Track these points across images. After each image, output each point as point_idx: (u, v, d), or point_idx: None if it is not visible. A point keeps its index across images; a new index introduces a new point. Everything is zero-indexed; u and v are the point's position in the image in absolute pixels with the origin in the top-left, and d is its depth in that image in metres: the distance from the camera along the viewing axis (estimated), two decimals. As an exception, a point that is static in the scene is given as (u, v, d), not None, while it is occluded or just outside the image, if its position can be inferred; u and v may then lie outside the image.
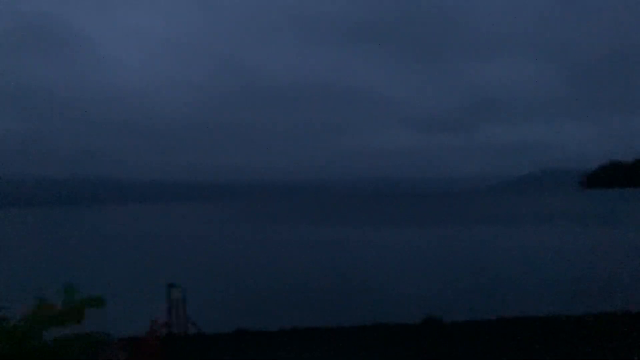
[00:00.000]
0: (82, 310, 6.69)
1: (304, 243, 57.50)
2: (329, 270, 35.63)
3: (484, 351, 13.45)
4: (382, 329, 16.81)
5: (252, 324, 18.26)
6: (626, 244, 43.62)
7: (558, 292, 25.10)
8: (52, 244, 70.70)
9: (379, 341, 15.08)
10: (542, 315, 17.69)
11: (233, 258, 45.64)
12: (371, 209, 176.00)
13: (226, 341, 16.40)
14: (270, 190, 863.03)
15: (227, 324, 18.63)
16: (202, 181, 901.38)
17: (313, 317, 20.45)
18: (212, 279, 33.51)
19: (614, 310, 18.43)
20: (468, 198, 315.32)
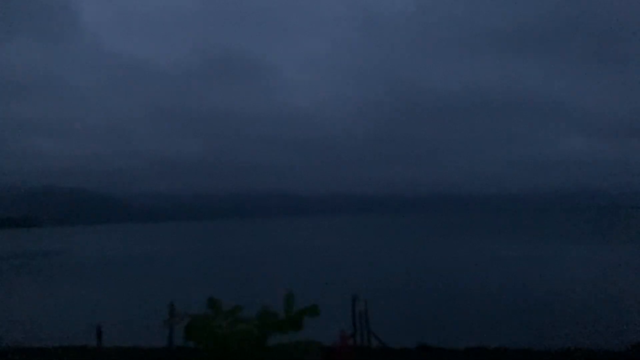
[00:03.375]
0: (301, 318, 7.40)
1: (493, 257, 55.21)
2: (521, 287, 33.61)
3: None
4: (582, 355, 15.58)
5: (436, 340, 18.02)
6: None
7: None
8: (244, 253, 76.49)
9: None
10: None
11: (415, 271, 45.27)
12: (559, 221, 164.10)
13: (409, 356, 16.30)
14: (443, 203, 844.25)
15: (410, 339, 18.58)
16: (373, 194, 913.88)
17: (502, 336, 19.51)
18: (395, 292, 33.28)
19: None
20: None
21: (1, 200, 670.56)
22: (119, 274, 55.28)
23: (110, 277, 52.52)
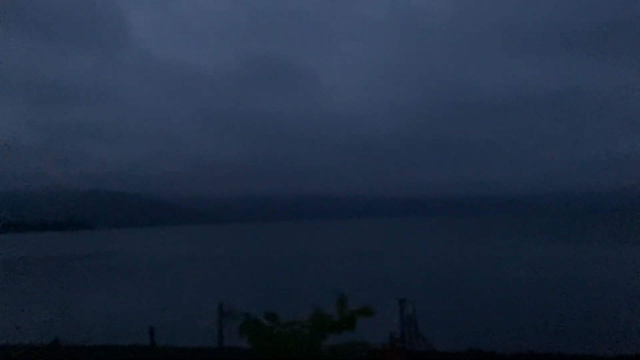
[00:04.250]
0: (354, 319, 7.43)
1: (546, 260, 53.90)
2: (576, 291, 32.76)
3: None
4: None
5: (486, 345, 17.83)
6: None
7: None
8: (289, 254, 77.30)
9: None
10: None
11: (463, 274, 44.73)
12: (617, 222, 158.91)
13: (459, 360, 16.22)
14: (489, 204, 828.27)
15: (459, 343, 18.43)
16: (417, 196, 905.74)
17: (553, 342, 19.10)
18: (443, 295, 33.04)
19: None
20: None
21: (54, 203, 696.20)
22: (168, 276, 56.62)
23: (161, 279, 53.83)
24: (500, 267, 49.50)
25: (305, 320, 7.86)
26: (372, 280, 42.10)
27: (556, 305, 28.25)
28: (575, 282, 37.37)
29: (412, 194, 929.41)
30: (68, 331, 22.73)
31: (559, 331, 22.14)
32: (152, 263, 75.64)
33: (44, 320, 29.91)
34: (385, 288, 35.36)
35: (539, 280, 39.18)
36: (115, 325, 27.93)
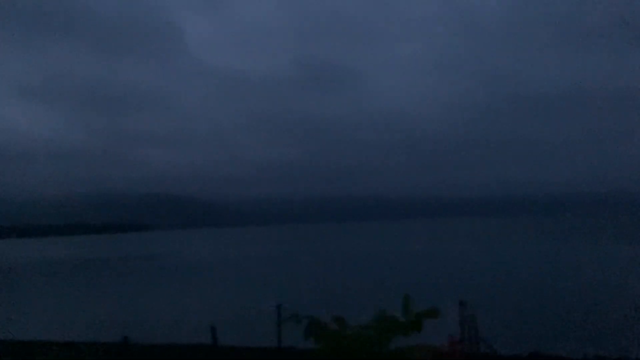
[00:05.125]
0: (421, 320, 7.46)
1: (614, 261, 52.20)
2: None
3: None
4: None
5: (550, 349, 17.43)
6: None
7: None
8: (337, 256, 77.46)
9: None
10: None
11: (525, 275, 43.66)
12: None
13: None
14: (551, 204, 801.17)
15: (521, 346, 18.07)
16: (472, 196, 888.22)
17: (622, 346, 18.40)
18: (503, 298, 32.34)
19: None
20: None
21: (115, 206, 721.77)
22: (225, 276, 57.83)
23: (218, 279, 55.06)
24: (563, 268, 48.03)
25: (369, 321, 7.96)
26: (428, 282, 41.55)
27: (623, 309, 27.24)
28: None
29: (465, 194, 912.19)
30: (134, 329, 23.58)
31: (630, 335, 21.38)
32: (208, 263, 77.37)
33: (111, 319, 31.17)
34: (443, 290, 34.77)
35: (607, 283, 37.88)
36: (177, 323, 28.83)
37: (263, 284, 47.52)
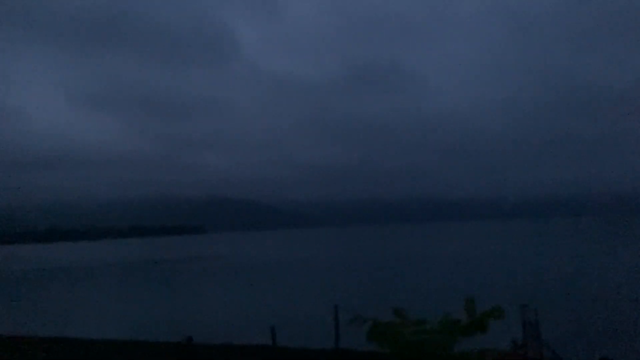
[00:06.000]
0: (486, 321, 7.38)
1: None
2: None
3: None
4: None
5: (619, 355, 16.79)
6: None
7: None
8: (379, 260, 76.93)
9: None
10: None
11: (589, 278, 42.16)
12: None
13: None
14: (614, 203, 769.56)
15: (588, 352, 17.50)
16: (530, 196, 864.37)
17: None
18: (566, 301, 31.28)
19: None
20: None
21: (172, 209, 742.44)
22: (282, 277, 58.58)
23: (274, 280, 55.79)
24: (632, 272, 46.03)
25: (435, 323, 7.95)
26: (488, 284, 40.53)
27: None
28: None
29: (525, 194, 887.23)
30: (196, 329, 24.28)
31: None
32: (266, 265, 78.43)
33: (175, 319, 32.17)
34: (503, 292, 33.99)
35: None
36: (237, 324, 29.46)
37: (320, 285, 47.84)
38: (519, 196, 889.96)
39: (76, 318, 35.73)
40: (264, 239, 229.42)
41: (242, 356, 19.86)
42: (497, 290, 36.61)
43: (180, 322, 30.15)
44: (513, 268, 54.38)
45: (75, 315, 37.45)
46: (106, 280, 68.21)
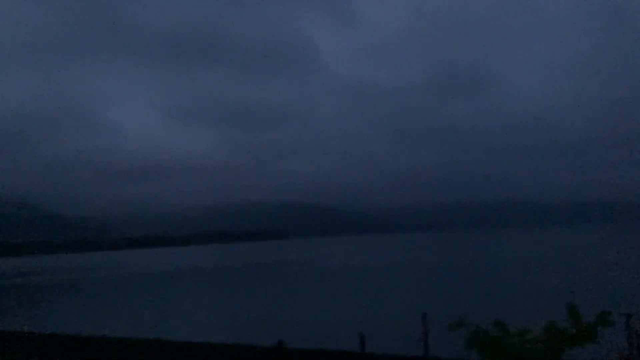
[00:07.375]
0: (596, 330, 7.00)
1: None
2: None
3: None
4: None
5: None
6: None
7: None
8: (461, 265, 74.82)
9: None
10: None
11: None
12: None
13: None
14: None
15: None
16: (623, 200, 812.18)
17: None
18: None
19: None
20: None
21: (255, 215, 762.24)
22: (368, 282, 58.49)
23: (361, 284, 55.85)
24: None
25: (539, 331, 7.64)
26: (587, 292, 38.14)
27: None
28: None
29: (615, 197, 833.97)
30: (285, 334, 24.70)
31: None
32: (351, 270, 78.75)
33: (264, 323, 32.96)
34: (606, 300, 31.99)
35: None
36: (326, 329, 29.71)
37: (407, 291, 47.38)
38: (616, 199, 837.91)
39: (174, 321, 37.72)
40: (348, 245, 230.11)
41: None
42: (595, 298, 34.49)
43: (271, 326, 30.84)
44: (610, 275, 51.15)
45: (173, 318, 39.48)
46: (199, 285, 71.11)
